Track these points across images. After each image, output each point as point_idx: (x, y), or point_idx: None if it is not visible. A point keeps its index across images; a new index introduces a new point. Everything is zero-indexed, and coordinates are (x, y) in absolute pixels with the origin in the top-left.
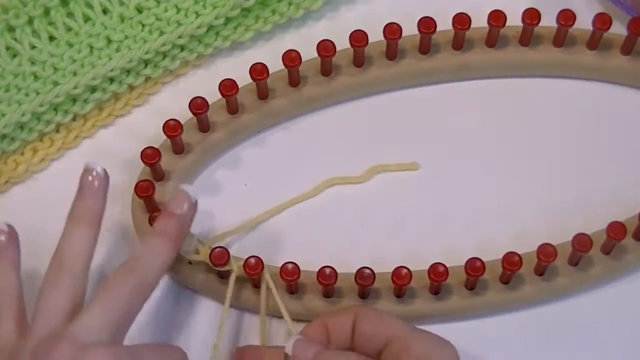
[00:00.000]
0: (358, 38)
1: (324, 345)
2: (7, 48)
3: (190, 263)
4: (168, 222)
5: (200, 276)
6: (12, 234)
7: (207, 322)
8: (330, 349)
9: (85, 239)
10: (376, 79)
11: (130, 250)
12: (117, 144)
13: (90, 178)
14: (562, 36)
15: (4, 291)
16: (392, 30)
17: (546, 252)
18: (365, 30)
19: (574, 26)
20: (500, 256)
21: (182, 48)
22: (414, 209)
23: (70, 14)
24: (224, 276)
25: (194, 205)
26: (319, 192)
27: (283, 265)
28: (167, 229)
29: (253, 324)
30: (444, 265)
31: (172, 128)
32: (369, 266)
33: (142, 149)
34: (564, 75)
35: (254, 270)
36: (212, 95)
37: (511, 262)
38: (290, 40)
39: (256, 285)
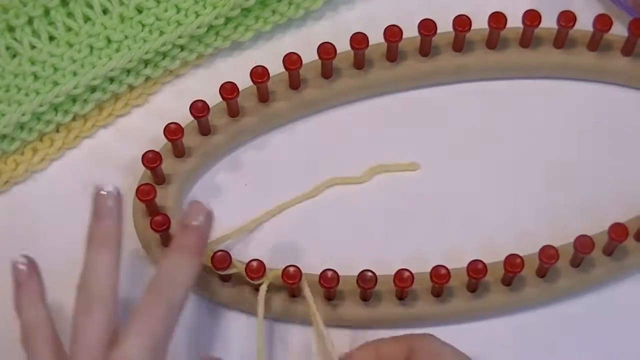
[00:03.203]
0: (359, 40)
1: None
2: (7, 48)
3: None
4: (187, 236)
5: (200, 279)
6: (32, 264)
7: (207, 324)
8: None
9: (109, 264)
10: (377, 81)
11: (130, 253)
12: (117, 144)
13: (102, 198)
14: (563, 37)
15: (37, 326)
16: (393, 33)
17: (548, 254)
18: (365, 31)
19: (574, 27)
20: (502, 258)
21: (182, 48)
22: (415, 210)
23: (70, 14)
24: (225, 279)
25: (210, 215)
26: (319, 192)
27: (285, 268)
28: (188, 242)
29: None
30: (445, 267)
31: (173, 132)
32: (370, 268)
33: (143, 152)
34: (565, 77)
35: (256, 274)
36: (213, 96)
37: (513, 264)
38: (290, 40)
39: (256, 288)
